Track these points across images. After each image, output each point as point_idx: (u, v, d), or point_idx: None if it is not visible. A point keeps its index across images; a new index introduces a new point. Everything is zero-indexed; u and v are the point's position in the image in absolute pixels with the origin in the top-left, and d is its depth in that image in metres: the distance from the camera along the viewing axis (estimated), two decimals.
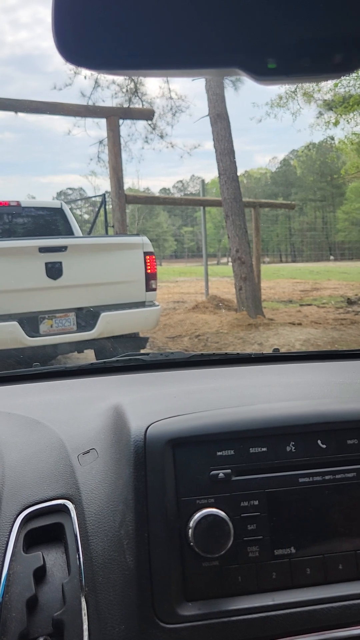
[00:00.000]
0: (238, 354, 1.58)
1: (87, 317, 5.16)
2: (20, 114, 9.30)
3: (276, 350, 1.66)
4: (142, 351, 5.74)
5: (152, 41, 0.41)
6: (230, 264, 10.51)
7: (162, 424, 0.87)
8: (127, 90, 12.52)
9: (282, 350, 7.33)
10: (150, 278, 5.48)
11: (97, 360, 4.40)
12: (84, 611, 0.74)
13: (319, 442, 0.88)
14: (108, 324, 5.19)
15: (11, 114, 9.22)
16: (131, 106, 11.64)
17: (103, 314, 5.15)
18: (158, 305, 5.69)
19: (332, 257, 53.82)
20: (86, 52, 0.41)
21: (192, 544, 0.78)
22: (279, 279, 21.96)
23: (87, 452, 0.94)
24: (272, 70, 0.41)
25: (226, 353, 1.55)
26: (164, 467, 0.82)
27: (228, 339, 7.91)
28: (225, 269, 21.08)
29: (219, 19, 0.40)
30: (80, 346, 5.47)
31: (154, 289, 5.57)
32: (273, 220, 56.89)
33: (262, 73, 0.41)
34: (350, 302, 12.16)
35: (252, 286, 9.80)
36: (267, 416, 0.89)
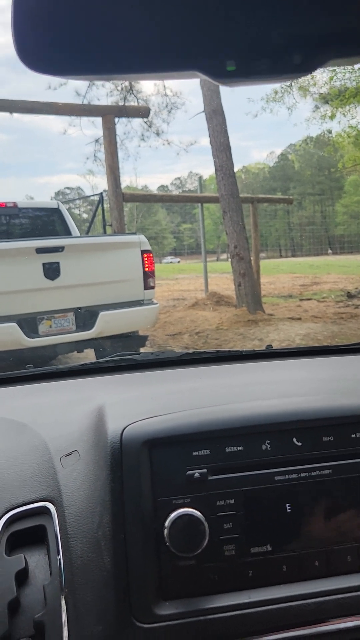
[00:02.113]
0: (229, 351, 1.57)
1: (85, 316, 5.16)
2: (15, 115, 9.29)
3: (269, 346, 1.65)
4: (142, 349, 5.75)
5: (111, 46, 0.41)
6: (229, 260, 10.50)
7: (139, 426, 0.88)
8: (122, 89, 12.51)
9: (283, 345, 7.32)
10: (148, 276, 5.49)
11: (97, 359, 4.40)
12: (64, 612, 0.74)
13: (294, 439, 0.88)
14: (107, 323, 5.19)
15: (5, 114, 9.22)
16: (126, 104, 11.62)
17: (102, 313, 5.15)
18: (157, 304, 5.69)
19: (330, 251, 53.77)
20: (46, 58, 0.41)
21: (167, 543, 0.79)
22: (279, 274, 21.94)
23: (70, 454, 0.94)
24: (231, 72, 0.41)
25: (217, 351, 1.55)
26: (141, 468, 0.83)
27: (228, 336, 7.91)
28: (224, 265, 21.06)
29: (176, 22, 0.40)
30: (79, 346, 5.47)
31: (152, 287, 5.58)
32: (272, 215, 56.86)
33: (222, 75, 0.41)
34: (350, 295, 12.14)
35: (252, 282, 9.79)
36: (242, 415, 0.90)
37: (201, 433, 0.86)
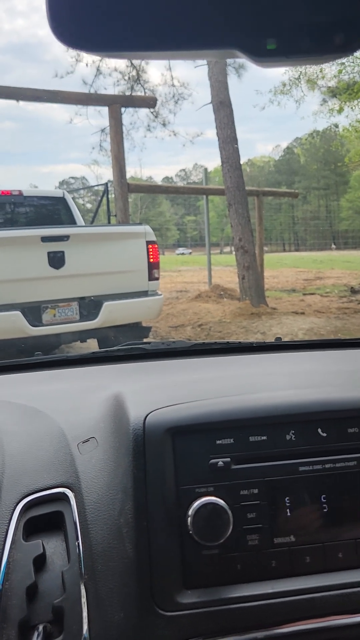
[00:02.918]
0: (240, 342, 1.57)
1: (89, 306, 5.15)
2: (20, 103, 9.24)
3: (278, 339, 1.65)
4: (144, 340, 5.74)
5: (148, 22, 0.40)
6: (233, 253, 10.48)
7: (161, 413, 0.87)
8: (129, 78, 12.43)
9: (285, 339, 7.30)
10: (152, 267, 5.47)
11: (99, 349, 4.40)
12: (84, 599, 0.73)
13: (319, 430, 0.87)
14: (111, 314, 5.19)
15: (10, 102, 9.18)
16: (133, 94, 11.55)
17: (106, 304, 5.14)
18: (161, 295, 5.68)
19: (333, 246, 53.63)
20: (81, 33, 0.40)
21: (191, 532, 0.78)
22: (282, 268, 21.91)
23: (87, 440, 0.94)
24: (271, 51, 0.40)
25: (228, 342, 1.54)
26: (164, 456, 0.82)
27: (231, 328, 7.91)
28: (228, 258, 21.05)
29: None
30: (83, 335, 5.47)
31: (157, 278, 5.56)
32: (276, 208, 56.68)
33: (261, 54, 0.40)
34: (353, 291, 12.12)
35: (255, 275, 9.77)
36: (266, 404, 0.89)
37: (225, 422, 0.85)
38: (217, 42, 0.40)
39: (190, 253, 48.67)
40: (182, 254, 48.85)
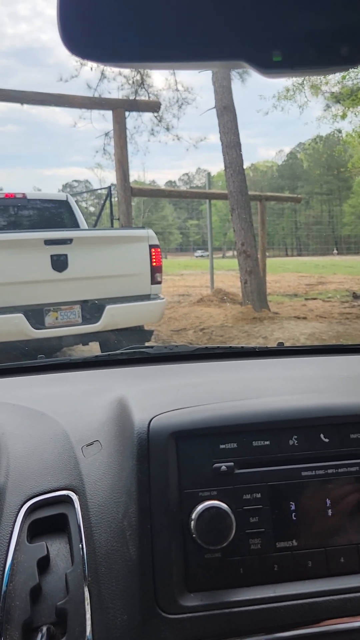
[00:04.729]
0: (242, 347, 1.57)
1: (92, 309, 5.17)
2: (24, 106, 9.30)
3: (281, 344, 1.65)
4: (147, 344, 5.74)
5: (157, 33, 0.40)
6: (235, 257, 10.50)
7: (166, 417, 0.87)
8: (133, 82, 12.47)
9: (287, 344, 7.31)
10: (155, 271, 5.48)
11: (101, 352, 4.41)
12: (87, 601, 0.74)
13: (322, 435, 0.88)
14: (113, 317, 5.20)
15: (13, 106, 9.24)
16: (137, 98, 11.60)
17: (108, 307, 5.15)
18: (163, 299, 5.69)
19: (335, 251, 53.67)
20: (90, 44, 0.41)
21: (194, 535, 0.78)
22: (285, 272, 21.93)
23: (91, 444, 0.94)
24: (277, 62, 0.41)
25: (230, 346, 1.55)
26: (167, 460, 0.83)
27: (233, 333, 7.91)
28: (230, 262, 21.08)
29: (224, 10, 0.40)
30: (85, 339, 5.48)
31: (159, 282, 5.57)
32: (279, 213, 56.72)
33: (268, 66, 0.41)
34: (355, 296, 12.12)
35: (258, 280, 9.78)
36: (270, 409, 0.89)
37: (229, 426, 0.86)
38: (224, 54, 0.41)
39: (208, 255, 49.58)
40: (201, 256, 49.81)
